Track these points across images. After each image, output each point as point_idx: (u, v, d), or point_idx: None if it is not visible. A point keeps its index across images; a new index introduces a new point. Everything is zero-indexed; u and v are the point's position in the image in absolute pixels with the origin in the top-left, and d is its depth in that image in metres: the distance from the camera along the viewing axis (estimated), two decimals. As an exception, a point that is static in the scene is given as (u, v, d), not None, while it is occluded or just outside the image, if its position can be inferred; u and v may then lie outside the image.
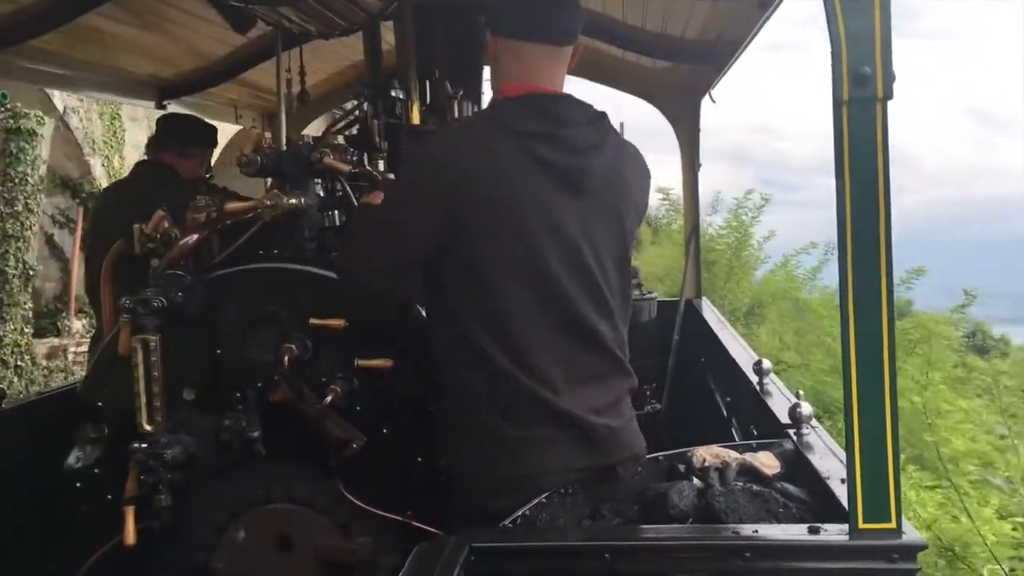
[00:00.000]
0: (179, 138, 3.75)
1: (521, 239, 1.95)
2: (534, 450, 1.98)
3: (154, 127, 3.92)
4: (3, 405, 2.83)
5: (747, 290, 14.41)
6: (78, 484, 2.26)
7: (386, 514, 2.18)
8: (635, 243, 2.32)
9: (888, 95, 1.52)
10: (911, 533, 1.58)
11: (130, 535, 2.11)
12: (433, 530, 2.10)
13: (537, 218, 1.95)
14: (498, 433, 1.97)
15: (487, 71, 3.19)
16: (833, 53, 1.53)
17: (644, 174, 2.20)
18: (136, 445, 2.10)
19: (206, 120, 4.00)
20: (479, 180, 1.92)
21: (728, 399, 3.28)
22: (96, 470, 2.26)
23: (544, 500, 1.89)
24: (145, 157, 3.86)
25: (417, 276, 2.08)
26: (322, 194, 2.45)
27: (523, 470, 1.96)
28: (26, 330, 8.77)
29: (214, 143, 3.95)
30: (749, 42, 3.66)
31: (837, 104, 1.54)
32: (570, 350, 2.01)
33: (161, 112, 4.20)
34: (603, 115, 2.07)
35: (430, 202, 1.94)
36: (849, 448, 1.57)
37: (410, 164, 2.09)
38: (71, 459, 2.28)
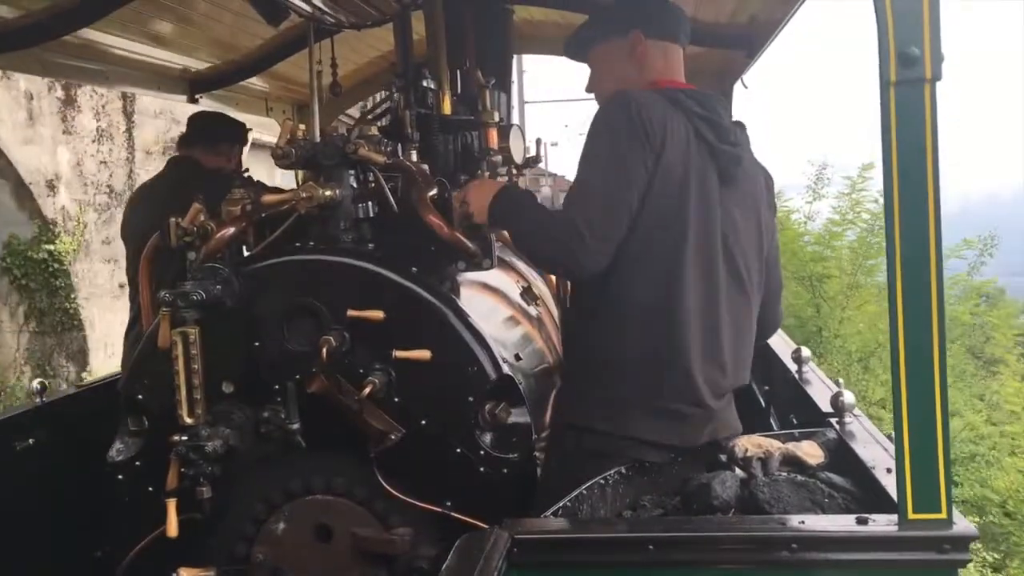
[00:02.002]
0: (209, 135, 3.80)
1: (693, 209, 2.12)
2: (667, 420, 2.13)
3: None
4: (44, 398, 2.88)
5: (877, 318, 9.47)
6: (120, 476, 2.28)
7: (425, 505, 2.17)
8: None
9: (937, 76, 1.49)
10: (962, 523, 1.55)
11: (172, 527, 2.12)
12: (472, 521, 2.09)
13: (700, 191, 2.13)
14: (635, 397, 2.13)
15: (518, 60, 3.18)
16: (879, 32, 1.49)
17: (770, 182, 2.44)
18: (177, 438, 2.10)
19: (234, 116, 4.04)
20: (667, 149, 2.09)
21: (766, 387, 3.24)
22: (137, 462, 2.28)
23: (584, 492, 1.89)
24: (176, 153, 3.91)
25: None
26: (355, 185, 2.45)
27: (650, 437, 2.11)
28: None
29: (244, 139, 3.99)
30: (784, 26, 3.60)
31: (884, 85, 1.50)
32: (714, 327, 2.16)
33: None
34: (740, 122, 2.32)
35: (639, 167, 2.08)
36: (898, 438, 1.54)
37: (613, 133, 2.17)
38: (113, 452, 2.30)
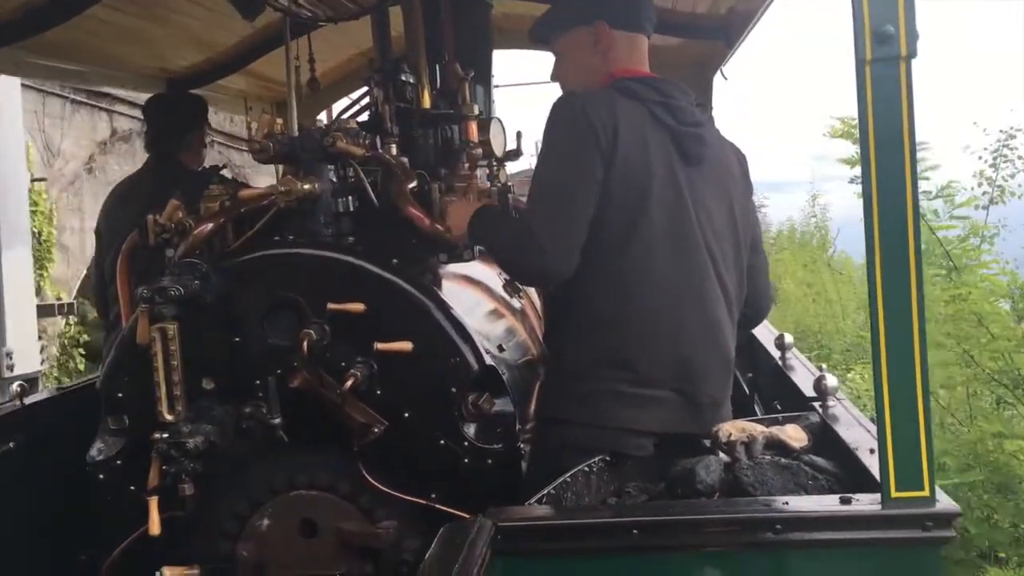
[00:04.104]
0: (170, 128, 3.75)
1: (661, 195, 2.12)
2: (644, 407, 2.12)
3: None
4: (24, 400, 2.85)
5: None
6: (101, 476, 2.26)
7: (410, 497, 2.16)
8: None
9: (912, 53, 1.49)
10: (945, 500, 1.55)
11: (155, 525, 2.10)
12: (458, 512, 2.08)
13: (665, 180, 2.13)
14: (612, 388, 2.13)
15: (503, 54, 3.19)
16: (854, 10, 1.49)
17: (742, 160, 2.43)
18: (157, 435, 2.08)
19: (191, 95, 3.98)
20: (621, 141, 2.09)
21: (749, 375, 3.25)
22: (118, 461, 2.25)
23: (568, 480, 1.88)
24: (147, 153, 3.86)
25: None
26: (335, 179, 2.43)
27: (629, 425, 2.11)
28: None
29: (204, 117, 3.94)
30: (761, 16, 3.61)
31: (859, 64, 1.50)
32: (688, 311, 2.16)
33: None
34: (703, 104, 2.34)
35: (592, 168, 2.09)
36: (879, 417, 1.54)
37: (561, 137, 2.18)
38: (93, 451, 2.27)
